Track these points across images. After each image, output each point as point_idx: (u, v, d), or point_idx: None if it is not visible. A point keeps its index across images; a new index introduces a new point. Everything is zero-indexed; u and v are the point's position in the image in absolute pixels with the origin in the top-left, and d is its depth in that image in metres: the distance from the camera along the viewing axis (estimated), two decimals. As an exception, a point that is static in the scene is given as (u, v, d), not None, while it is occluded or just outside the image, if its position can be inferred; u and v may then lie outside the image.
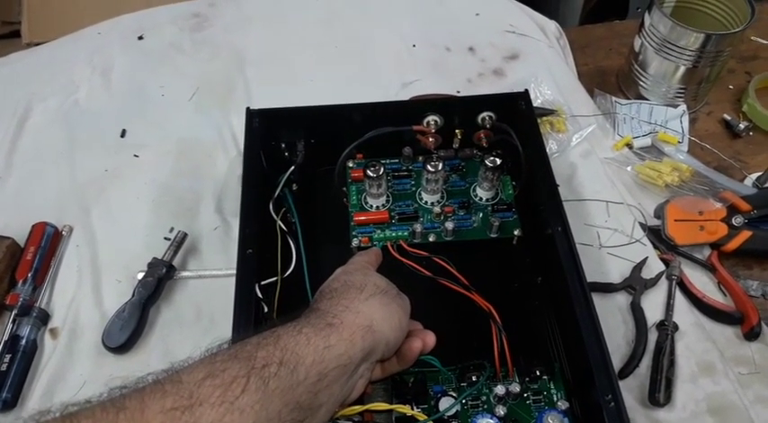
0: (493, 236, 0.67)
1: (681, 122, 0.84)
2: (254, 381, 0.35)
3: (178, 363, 0.36)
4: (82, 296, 0.67)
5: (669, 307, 0.65)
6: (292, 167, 0.70)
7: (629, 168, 0.78)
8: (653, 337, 0.63)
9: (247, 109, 0.69)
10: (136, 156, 0.80)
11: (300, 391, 0.37)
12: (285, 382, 0.37)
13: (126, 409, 0.32)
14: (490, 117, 0.70)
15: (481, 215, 0.68)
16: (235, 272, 0.57)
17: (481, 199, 0.70)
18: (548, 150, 0.76)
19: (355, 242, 0.66)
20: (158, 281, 0.65)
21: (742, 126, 0.83)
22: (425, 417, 0.52)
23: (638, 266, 0.67)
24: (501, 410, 0.54)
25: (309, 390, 0.38)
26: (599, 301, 0.63)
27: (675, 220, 0.70)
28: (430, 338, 0.51)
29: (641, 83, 0.86)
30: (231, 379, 0.35)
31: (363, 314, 0.44)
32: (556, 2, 1.36)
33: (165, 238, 0.70)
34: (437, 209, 0.68)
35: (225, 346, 0.39)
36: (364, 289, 0.47)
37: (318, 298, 0.47)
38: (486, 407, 0.55)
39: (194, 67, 0.91)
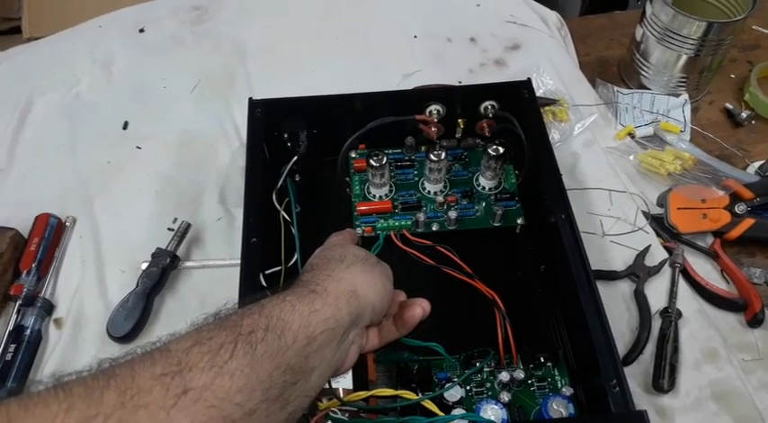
0: (496, 225, 0.67)
1: (683, 112, 0.84)
2: (242, 346, 0.36)
3: (165, 336, 0.37)
4: (86, 286, 0.67)
5: (672, 294, 0.65)
6: (295, 158, 0.70)
7: (631, 157, 0.78)
8: (656, 324, 0.63)
9: (250, 99, 0.68)
10: (138, 148, 0.80)
11: (290, 354, 0.38)
12: (273, 347, 0.37)
13: (117, 376, 0.32)
14: (493, 106, 0.70)
15: (484, 204, 0.68)
16: (239, 262, 0.57)
17: (484, 188, 0.70)
18: (550, 140, 0.76)
19: (359, 232, 0.66)
20: (162, 271, 0.65)
21: (744, 115, 0.83)
22: (431, 404, 0.52)
23: (642, 254, 0.67)
24: (506, 397, 0.54)
25: (299, 353, 0.38)
26: (602, 288, 0.63)
27: (678, 208, 0.70)
28: (427, 305, 0.52)
29: (643, 72, 0.86)
30: (218, 345, 0.35)
31: (346, 281, 0.45)
32: (556, -7, 1.35)
33: (169, 229, 0.70)
34: (440, 198, 0.68)
35: (210, 319, 0.39)
36: (344, 259, 0.48)
37: (300, 274, 0.48)
38: (490, 393, 0.56)
39: (195, 60, 0.91)
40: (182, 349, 0.35)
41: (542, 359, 0.57)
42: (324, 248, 0.53)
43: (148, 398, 0.31)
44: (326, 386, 0.50)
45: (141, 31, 0.96)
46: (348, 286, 0.44)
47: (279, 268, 0.62)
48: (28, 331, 0.62)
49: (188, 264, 0.68)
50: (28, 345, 0.61)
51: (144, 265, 0.65)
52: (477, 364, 0.57)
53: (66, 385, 0.31)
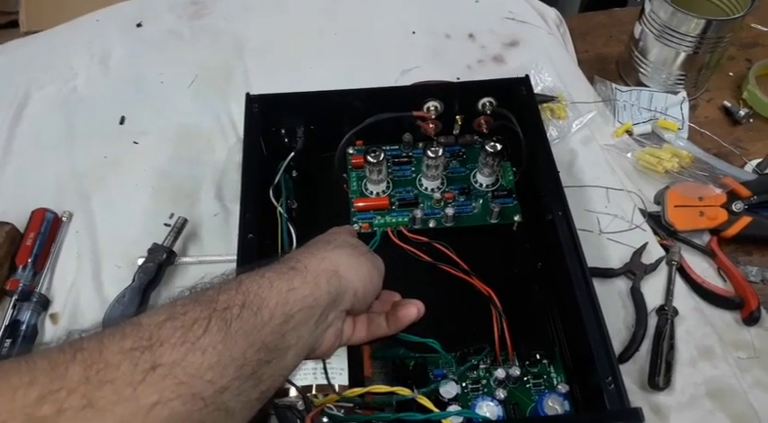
0: (493, 222, 0.67)
1: (681, 109, 0.84)
2: (216, 322, 0.35)
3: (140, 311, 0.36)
4: (82, 282, 0.67)
5: (669, 292, 0.65)
6: (292, 154, 0.69)
7: (629, 155, 0.78)
8: (653, 321, 0.63)
9: (247, 94, 0.68)
10: (135, 143, 0.80)
11: (266, 332, 0.37)
12: (248, 324, 0.36)
13: (84, 349, 0.31)
14: (491, 103, 0.70)
15: (481, 201, 0.68)
16: (235, 258, 0.57)
17: (481, 185, 0.70)
18: (548, 137, 0.76)
19: (356, 228, 0.66)
20: (159, 266, 0.65)
21: (742, 113, 0.83)
22: (427, 400, 0.52)
23: (638, 252, 0.67)
24: (501, 394, 0.54)
25: (275, 331, 0.38)
26: (599, 286, 0.63)
27: (675, 206, 0.70)
28: (422, 306, 0.51)
29: (641, 70, 0.86)
30: (192, 321, 0.34)
31: (329, 260, 0.44)
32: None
33: (165, 225, 0.70)
34: (437, 195, 0.68)
35: (186, 293, 0.39)
36: (332, 242, 0.47)
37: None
38: (486, 390, 0.56)
39: (193, 55, 0.91)
40: (154, 323, 0.34)
41: (538, 356, 0.58)
42: (323, 233, 0.52)
43: (115, 373, 0.31)
44: (323, 382, 0.50)
45: (139, 25, 0.96)
46: (330, 266, 0.44)
47: (275, 264, 0.62)
48: (24, 326, 0.62)
49: (184, 259, 0.68)
50: (24, 340, 0.61)
51: (140, 261, 0.65)
52: (473, 361, 0.57)
53: (30, 358, 0.30)
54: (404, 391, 0.52)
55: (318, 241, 0.48)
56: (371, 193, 0.69)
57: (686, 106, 0.84)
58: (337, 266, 0.44)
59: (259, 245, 0.58)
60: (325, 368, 0.51)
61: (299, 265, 0.42)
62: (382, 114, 0.66)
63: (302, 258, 0.43)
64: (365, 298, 0.47)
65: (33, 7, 1.24)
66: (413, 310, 0.50)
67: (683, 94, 0.85)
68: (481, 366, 0.57)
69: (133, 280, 0.64)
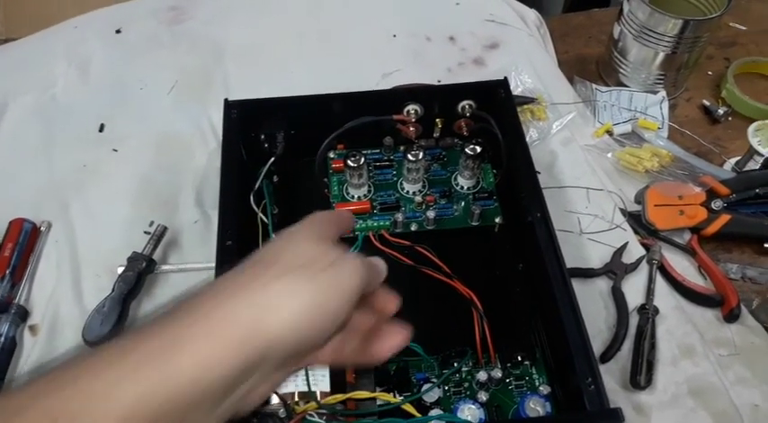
0: (474, 224, 0.67)
1: (660, 109, 0.84)
2: None
3: None
4: (61, 292, 0.66)
5: (650, 291, 0.65)
6: (272, 159, 0.69)
7: (609, 155, 0.78)
8: (634, 321, 0.63)
9: (225, 100, 0.68)
10: (114, 150, 0.79)
11: None
12: None
13: None
14: (470, 105, 0.70)
15: (462, 203, 0.68)
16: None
17: (462, 187, 0.70)
18: (528, 138, 0.77)
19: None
20: (138, 275, 0.64)
21: (721, 111, 0.84)
22: (408, 404, 0.52)
23: (619, 251, 0.67)
24: (483, 396, 0.54)
25: None
26: (580, 286, 0.64)
27: (655, 205, 0.70)
28: (407, 337, 0.39)
29: (621, 70, 0.87)
30: None
31: (250, 306, 0.31)
32: (537, -9, 1.36)
33: (145, 232, 0.69)
34: (418, 198, 0.68)
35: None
36: (274, 264, 0.33)
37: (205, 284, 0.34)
38: (468, 393, 0.56)
39: (173, 61, 0.90)
40: None
41: (520, 358, 0.58)
42: (279, 234, 0.37)
43: None
44: (305, 389, 0.50)
45: (118, 31, 0.95)
46: (252, 314, 0.30)
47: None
48: (2, 338, 0.61)
49: (164, 267, 0.68)
50: (2, 352, 0.60)
51: (120, 270, 0.65)
52: (455, 365, 0.57)
53: None
54: (386, 397, 0.52)
55: (257, 264, 0.34)
56: (353, 197, 0.69)
57: (666, 106, 0.84)
58: (265, 313, 0.31)
59: (239, 252, 0.58)
60: (306, 375, 0.51)
61: (192, 330, 0.30)
62: (362, 118, 0.66)
63: (207, 311, 0.31)
64: (313, 342, 0.33)
65: (12, 15, 1.24)
66: (395, 341, 0.39)
67: (663, 93, 0.85)
68: (463, 369, 0.57)
69: (113, 289, 0.64)
